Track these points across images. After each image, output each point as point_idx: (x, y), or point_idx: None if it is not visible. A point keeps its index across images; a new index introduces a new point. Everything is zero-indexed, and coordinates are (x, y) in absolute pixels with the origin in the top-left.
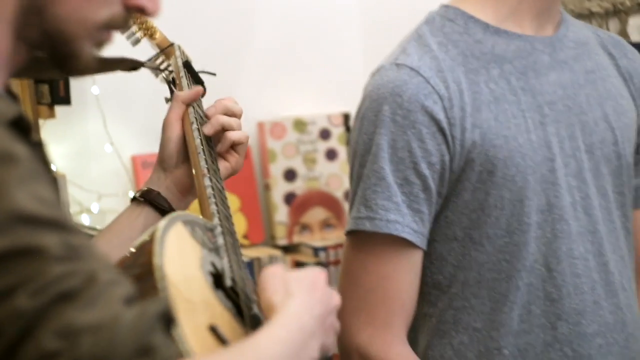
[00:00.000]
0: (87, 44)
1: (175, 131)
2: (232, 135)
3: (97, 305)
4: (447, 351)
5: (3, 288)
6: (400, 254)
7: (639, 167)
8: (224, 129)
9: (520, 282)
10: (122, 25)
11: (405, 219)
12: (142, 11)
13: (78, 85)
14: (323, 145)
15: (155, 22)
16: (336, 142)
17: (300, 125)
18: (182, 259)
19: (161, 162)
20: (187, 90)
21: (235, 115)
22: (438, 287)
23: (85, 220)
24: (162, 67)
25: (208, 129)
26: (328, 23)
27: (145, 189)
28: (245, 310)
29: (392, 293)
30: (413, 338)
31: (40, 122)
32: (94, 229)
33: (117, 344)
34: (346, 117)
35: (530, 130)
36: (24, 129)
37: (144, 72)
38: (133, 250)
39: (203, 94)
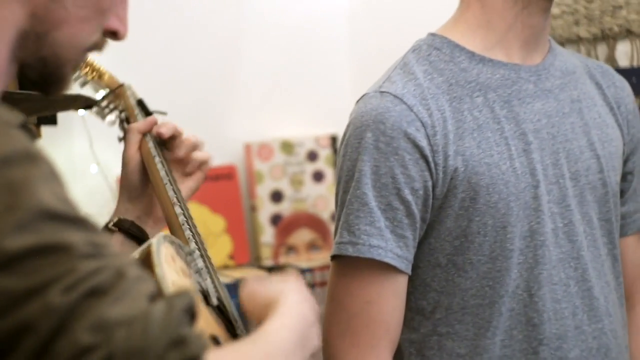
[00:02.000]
0: (73, 67)
1: (135, 161)
2: (201, 156)
3: (128, 300)
4: None
5: (34, 285)
6: (384, 279)
7: (624, 195)
8: (193, 148)
9: (503, 307)
10: (99, 48)
11: (388, 244)
12: (114, 35)
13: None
14: (310, 167)
15: (139, 45)
16: (323, 163)
17: (287, 147)
18: (177, 275)
19: (127, 193)
20: (141, 120)
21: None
22: (422, 312)
23: None
24: (111, 106)
25: (164, 130)
26: (317, 46)
27: (117, 219)
28: (237, 326)
29: (377, 317)
30: None
31: None
32: None
33: (151, 336)
34: (333, 139)
35: (513, 157)
36: (30, 134)
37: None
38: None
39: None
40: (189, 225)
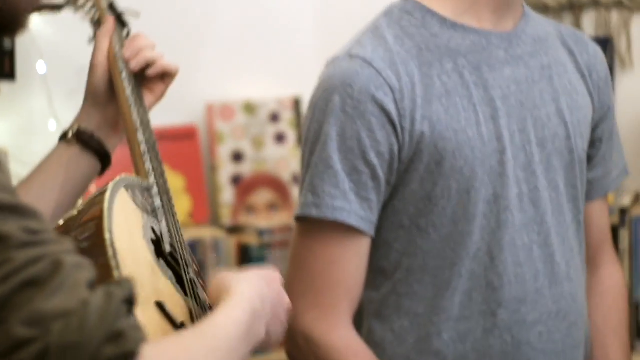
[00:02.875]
0: (30, 13)
1: (102, 68)
2: (165, 64)
3: (65, 291)
4: (388, 335)
5: None
6: (347, 240)
7: (592, 162)
8: (148, 64)
9: (463, 269)
10: None
11: (352, 206)
12: None
13: (24, 62)
14: (272, 129)
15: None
16: (285, 125)
17: (249, 107)
18: (129, 230)
19: (91, 98)
20: (103, 26)
21: (154, 48)
22: (383, 273)
23: None
24: (83, 5)
25: (134, 65)
26: (282, 6)
27: (76, 129)
28: (185, 275)
29: (338, 278)
30: (357, 322)
31: None
32: None
33: (88, 329)
34: (296, 101)
35: (481, 123)
36: None
37: (91, 47)
38: (78, 218)
39: (127, 31)
40: (149, 154)
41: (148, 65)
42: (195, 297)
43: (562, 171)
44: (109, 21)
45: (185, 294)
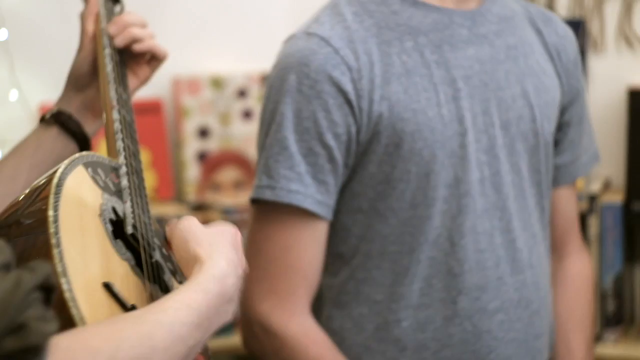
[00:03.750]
0: None
1: (87, 48)
2: (153, 44)
3: None
4: (347, 322)
5: None
6: (303, 225)
7: (560, 146)
8: (134, 41)
9: (423, 255)
10: None
11: (308, 190)
12: None
13: None
14: (239, 104)
15: None
16: (253, 101)
17: (216, 82)
18: (80, 208)
19: (73, 80)
20: (86, 5)
21: (144, 26)
22: (341, 258)
23: None
24: None
25: (119, 41)
26: None
27: (55, 110)
28: (146, 258)
29: (295, 263)
30: (316, 308)
31: None
32: None
33: None
34: (265, 77)
35: (441, 104)
36: None
37: (57, 15)
38: (28, 194)
39: (119, 7)
40: (122, 134)
41: (134, 42)
42: (159, 281)
43: (526, 155)
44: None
45: (147, 278)
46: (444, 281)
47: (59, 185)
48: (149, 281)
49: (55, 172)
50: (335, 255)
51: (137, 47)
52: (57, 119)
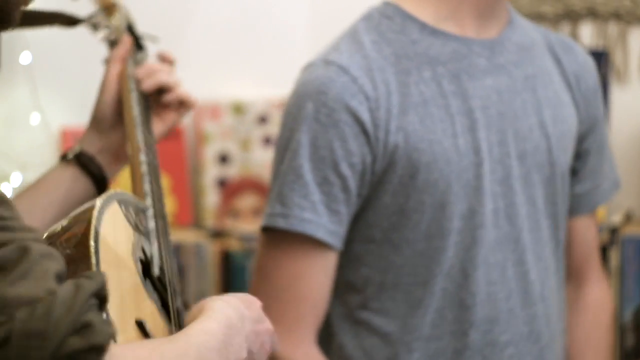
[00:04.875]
0: (21, 9)
1: (112, 92)
2: (183, 92)
3: (31, 278)
4: (358, 352)
5: None
6: (314, 254)
7: (580, 174)
8: (162, 86)
9: (436, 287)
10: None
11: (321, 219)
12: None
13: (8, 52)
14: (260, 131)
15: None
16: (274, 127)
17: (237, 108)
18: (116, 244)
19: (96, 123)
20: (117, 47)
21: (170, 72)
22: (353, 287)
23: (6, 189)
24: (101, 24)
25: (147, 85)
26: (274, 4)
27: (78, 150)
28: (172, 301)
29: (303, 293)
30: (326, 338)
31: None
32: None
33: (54, 318)
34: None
35: (457, 134)
36: None
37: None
38: (66, 227)
39: (145, 58)
40: (149, 176)
41: (162, 90)
42: (180, 326)
43: (542, 186)
44: (125, 42)
45: (170, 321)
46: (456, 313)
47: (99, 218)
48: (174, 326)
49: (92, 206)
50: (348, 285)
51: (169, 98)
52: (79, 160)
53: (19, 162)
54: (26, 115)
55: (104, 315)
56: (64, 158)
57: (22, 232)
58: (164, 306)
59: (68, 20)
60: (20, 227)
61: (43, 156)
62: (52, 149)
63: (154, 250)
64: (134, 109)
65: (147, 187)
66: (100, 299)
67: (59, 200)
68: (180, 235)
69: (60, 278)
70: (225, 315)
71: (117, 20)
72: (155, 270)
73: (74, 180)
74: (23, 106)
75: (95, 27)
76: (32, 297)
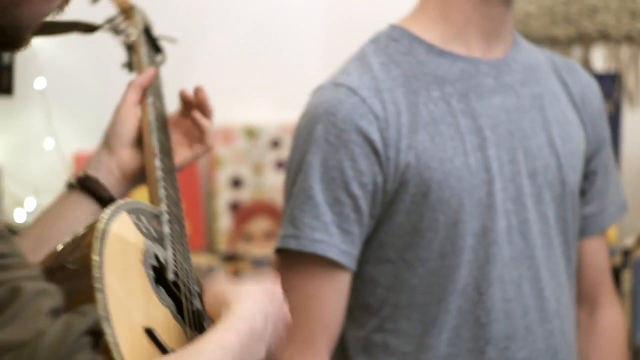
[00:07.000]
0: (33, 30)
1: (129, 114)
2: (205, 122)
3: (21, 321)
4: None
5: None
6: (327, 275)
7: (587, 196)
8: (200, 102)
9: (451, 305)
10: (61, 8)
11: (333, 239)
12: None
13: (23, 77)
14: (272, 155)
15: (99, 20)
16: (287, 152)
17: (250, 133)
18: (124, 254)
19: (108, 140)
20: (142, 75)
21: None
22: (368, 309)
23: (20, 214)
24: (120, 28)
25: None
26: (287, 28)
27: (83, 175)
28: (187, 305)
29: (316, 313)
30: (343, 359)
31: None
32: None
33: None
34: None
35: (468, 153)
36: None
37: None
38: (71, 241)
39: (163, 60)
40: (165, 182)
41: (192, 104)
42: (200, 329)
43: (553, 203)
44: (148, 72)
45: (188, 325)
46: (472, 331)
47: (104, 231)
48: (190, 328)
49: (100, 218)
50: (363, 307)
51: (199, 96)
52: (84, 185)
53: (33, 187)
54: (40, 140)
55: (96, 353)
56: (70, 185)
57: (18, 269)
58: (180, 311)
59: (86, 28)
60: (17, 264)
61: (57, 181)
62: (65, 173)
63: (168, 255)
64: (150, 114)
65: (162, 192)
66: (95, 334)
67: (62, 230)
68: (193, 259)
69: (56, 313)
70: (250, 322)
71: (135, 24)
72: (170, 276)
73: (78, 205)
74: (37, 131)
75: (114, 31)
76: (20, 341)
